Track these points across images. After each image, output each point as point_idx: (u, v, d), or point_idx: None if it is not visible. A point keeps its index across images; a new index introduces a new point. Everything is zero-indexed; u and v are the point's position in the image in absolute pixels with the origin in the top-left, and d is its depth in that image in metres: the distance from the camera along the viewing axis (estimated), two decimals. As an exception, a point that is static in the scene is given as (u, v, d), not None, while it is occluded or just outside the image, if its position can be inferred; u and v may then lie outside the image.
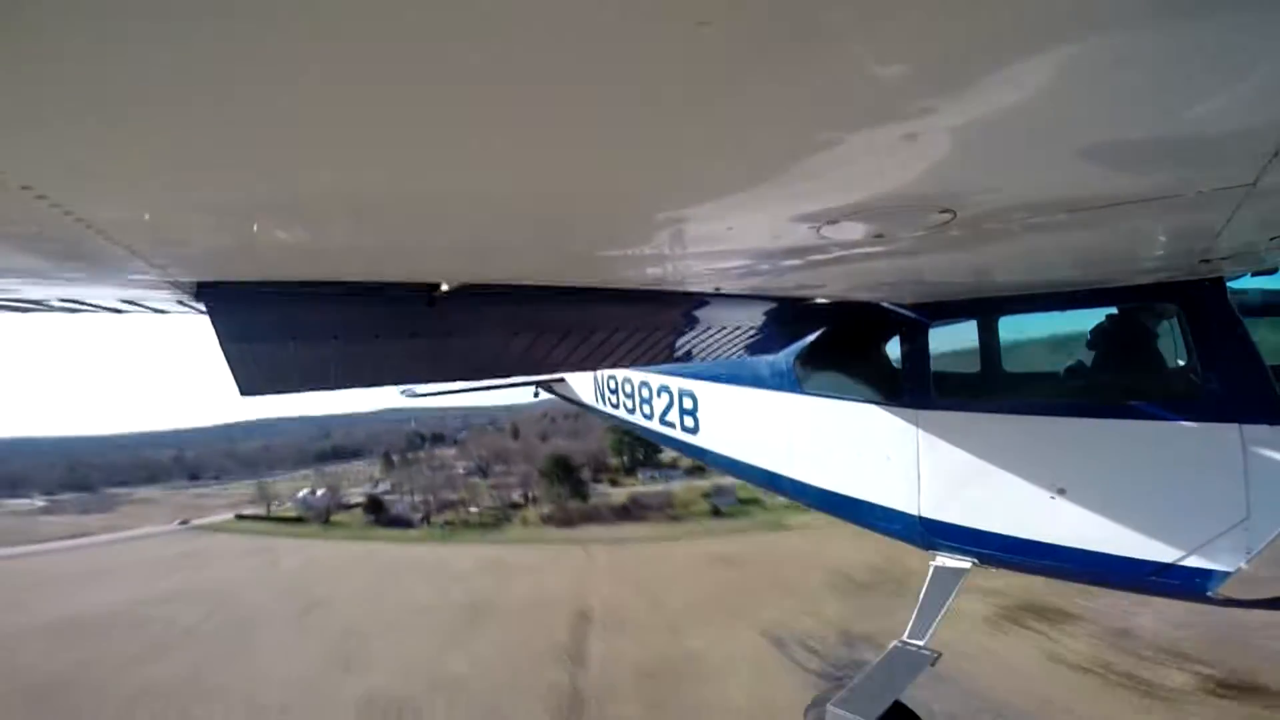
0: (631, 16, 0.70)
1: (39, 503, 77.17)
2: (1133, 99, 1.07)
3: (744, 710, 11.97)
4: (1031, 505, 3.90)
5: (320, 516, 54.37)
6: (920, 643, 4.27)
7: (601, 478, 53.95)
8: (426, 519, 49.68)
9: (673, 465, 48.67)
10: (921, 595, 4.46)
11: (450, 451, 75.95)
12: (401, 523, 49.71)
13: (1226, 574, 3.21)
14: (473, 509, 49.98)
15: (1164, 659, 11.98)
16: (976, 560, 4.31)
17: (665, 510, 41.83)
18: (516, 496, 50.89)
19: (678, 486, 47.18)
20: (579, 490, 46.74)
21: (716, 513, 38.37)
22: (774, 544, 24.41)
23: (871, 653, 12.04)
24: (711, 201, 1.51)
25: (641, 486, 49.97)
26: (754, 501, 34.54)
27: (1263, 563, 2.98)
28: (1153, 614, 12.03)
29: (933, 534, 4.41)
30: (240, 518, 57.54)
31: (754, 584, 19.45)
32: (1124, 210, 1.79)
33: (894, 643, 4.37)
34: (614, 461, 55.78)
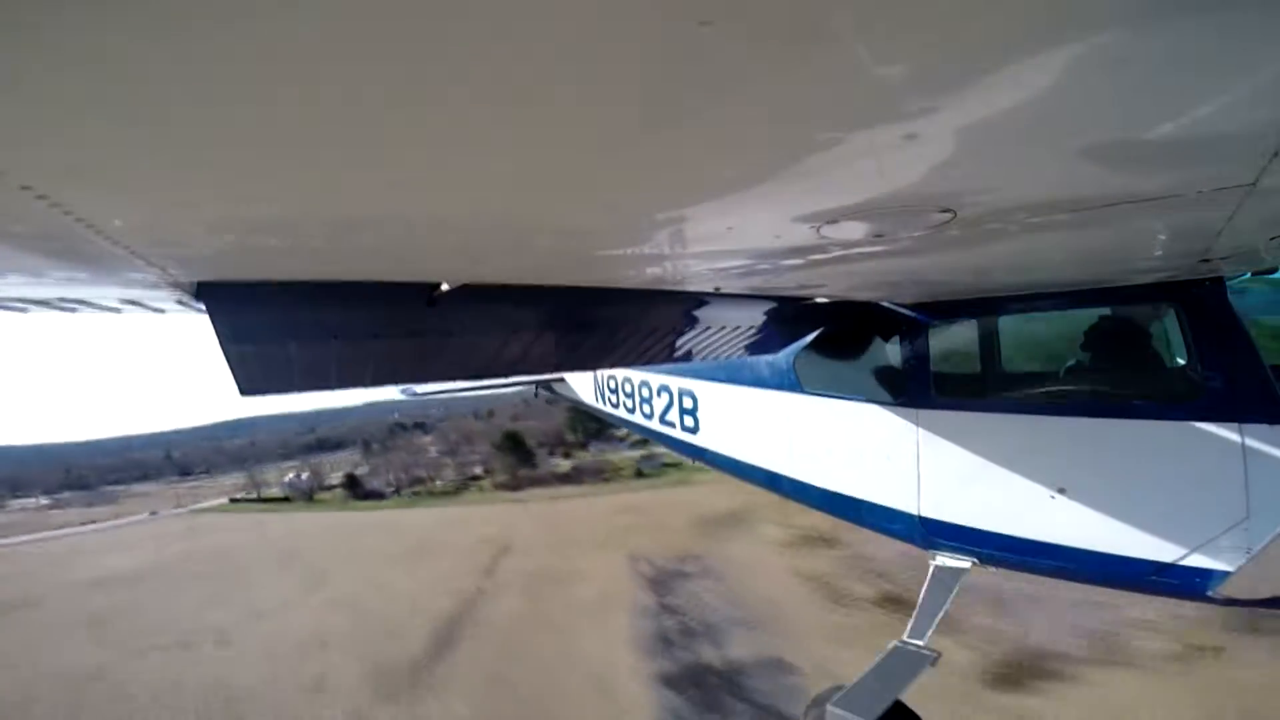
0: (632, 16, 0.70)
1: (43, 501, 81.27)
2: (1133, 99, 1.07)
3: (581, 597, 18.22)
4: (1031, 505, 3.91)
5: (304, 495, 60.15)
6: (920, 642, 4.28)
7: (557, 451, 60.31)
8: (397, 491, 56.25)
9: (620, 439, 53.20)
10: (921, 595, 4.46)
11: (427, 438, 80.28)
12: (375, 495, 56.20)
13: (1226, 573, 3.21)
14: (438, 482, 57.68)
15: (869, 578, 16.08)
16: (976, 560, 4.31)
17: (600, 474, 47.94)
18: (478, 470, 58.19)
19: (616, 457, 52.39)
20: (528, 461, 54.04)
21: (640, 474, 44.39)
22: (672, 496, 30.73)
23: (691, 563, 19.20)
24: (711, 201, 1.51)
25: (590, 457, 55.88)
26: (674, 466, 38.46)
27: (1262, 562, 2.98)
28: (895, 549, 14.14)
29: (932, 533, 4.41)
30: (233, 501, 62.60)
31: (639, 524, 25.78)
32: (1124, 210, 1.79)
33: (894, 643, 4.37)
34: (569, 437, 62.85)
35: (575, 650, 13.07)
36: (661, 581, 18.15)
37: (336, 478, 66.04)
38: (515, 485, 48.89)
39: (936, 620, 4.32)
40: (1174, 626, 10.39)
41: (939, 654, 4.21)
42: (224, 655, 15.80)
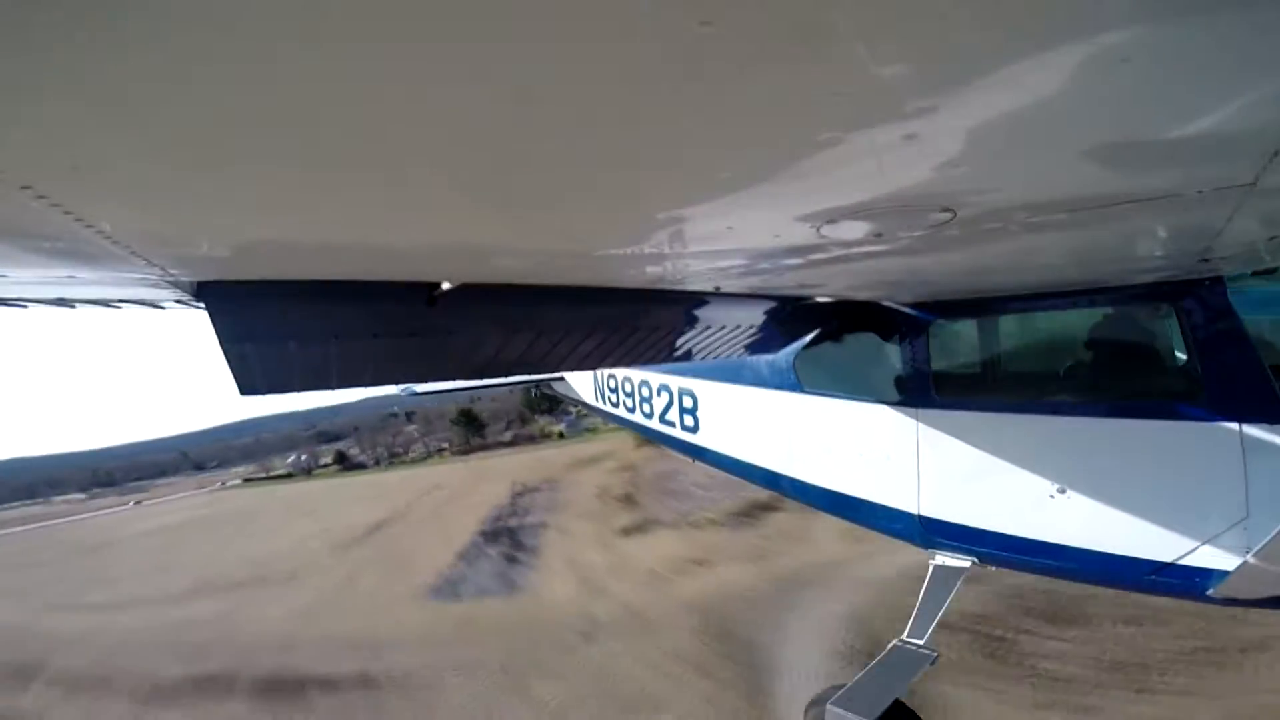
0: (632, 16, 0.70)
1: (80, 495, 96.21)
2: (1132, 99, 1.07)
3: (465, 504, 27.69)
4: (1031, 504, 3.91)
5: (305, 471, 78.98)
6: (920, 642, 4.28)
7: (507, 424, 72.92)
8: (378, 463, 73.06)
9: (566, 412, 61.06)
10: (921, 594, 4.47)
11: (412, 426, 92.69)
12: (360, 466, 73.86)
13: (1226, 573, 3.22)
14: (410, 453, 75.19)
15: (629, 487, 23.85)
16: (976, 559, 4.32)
17: (531, 439, 61.95)
18: (444, 444, 73.73)
19: (551, 426, 63.98)
20: (479, 432, 69.49)
21: (560, 435, 56.97)
22: (572, 449, 40.06)
23: (545, 485, 28.21)
24: (711, 201, 1.51)
25: (531, 428, 68.55)
26: (592, 431, 48.93)
27: (1262, 561, 2.99)
28: (658, 470, 24.21)
29: (932, 533, 4.42)
30: (246, 480, 79.60)
31: (536, 467, 34.60)
32: (1124, 210, 1.79)
33: (893, 642, 4.38)
34: (524, 412, 74.23)
35: (444, 526, 23.87)
36: (520, 494, 27.88)
37: (330, 457, 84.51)
38: (466, 451, 63.27)
39: (936, 620, 4.33)
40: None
41: (939, 653, 4.22)
42: (248, 553, 25.66)
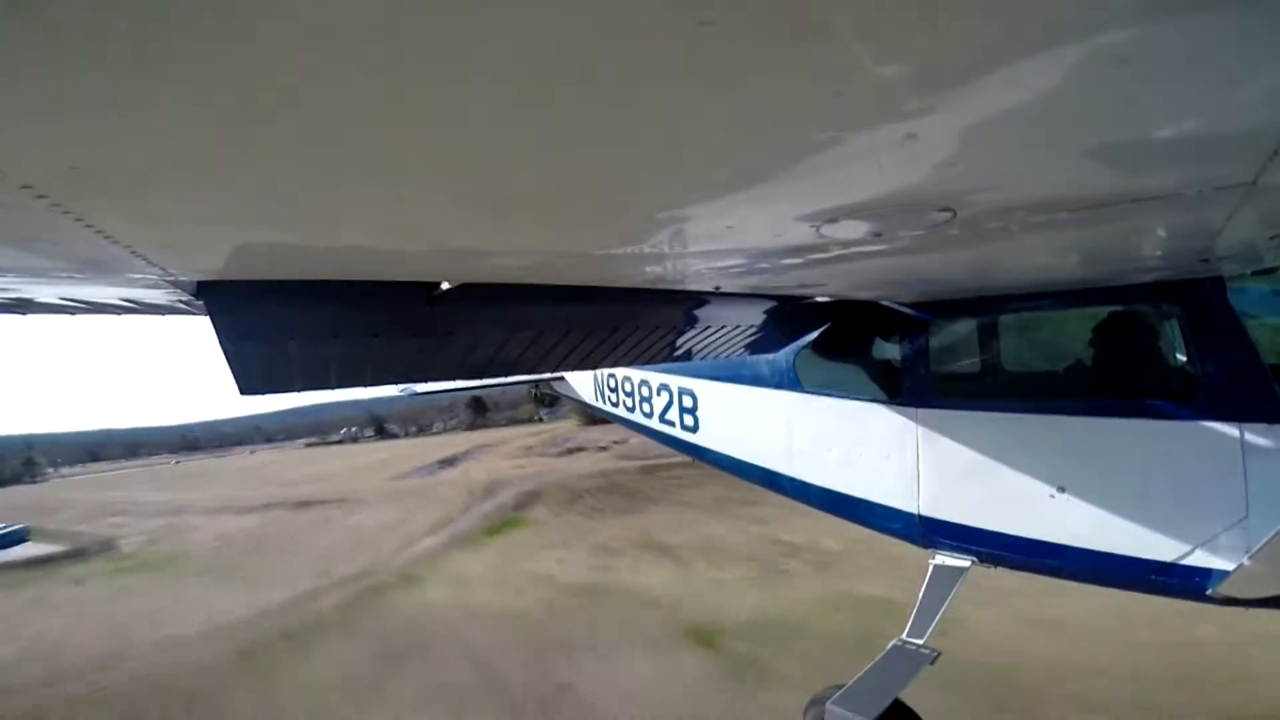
0: (632, 15, 0.70)
1: (172, 457, 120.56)
2: (1132, 99, 1.07)
3: (434, 453, 47.63)
4: (1030, 504, 3.91)
5: (352, 439, 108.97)
6: (919, 641, 4.28)
7: (509, 410, 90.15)
8: (407, 434, 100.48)
9: (562, 404, 73.78)
10: (921, 594, 4.47)
11: (443, 409, 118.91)
12: (394, 436, 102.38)
13: (1226, 572, 3.22)
14: (434, 429, 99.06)
15: (543, 448, 41.33)
16: (976, 559, 4.32)
17: (521, 422, 78.69)
18: (457, 422, 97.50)
19: (541, 412, 76.00)
20: (483, 414, 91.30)
21: (541, 420, 71.22)
22: (540, 428, 57.85)
23: (491, 445, 49.62)
24: (711, 201, 1.51)
25: (523, 413, 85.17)
26: (564, 418, 61.18)
27: (1261, 561, 2.99)
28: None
29: (932, 532, 4.41)
30: (307, 444, 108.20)
31: (501, 437, 53.53)
32: (1123, 209, 1.79)
33: (893, 641, 4.38)
34: (529, 401, 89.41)
35: (420, 459, 42.06)
36: (473, 448, 44.69)
37: (372, 429, 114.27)
38: (472, 427, 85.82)
39: (936, 619, 4.33)
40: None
41: (938, 653, 4.22)
42: (310, 472, 44.99)
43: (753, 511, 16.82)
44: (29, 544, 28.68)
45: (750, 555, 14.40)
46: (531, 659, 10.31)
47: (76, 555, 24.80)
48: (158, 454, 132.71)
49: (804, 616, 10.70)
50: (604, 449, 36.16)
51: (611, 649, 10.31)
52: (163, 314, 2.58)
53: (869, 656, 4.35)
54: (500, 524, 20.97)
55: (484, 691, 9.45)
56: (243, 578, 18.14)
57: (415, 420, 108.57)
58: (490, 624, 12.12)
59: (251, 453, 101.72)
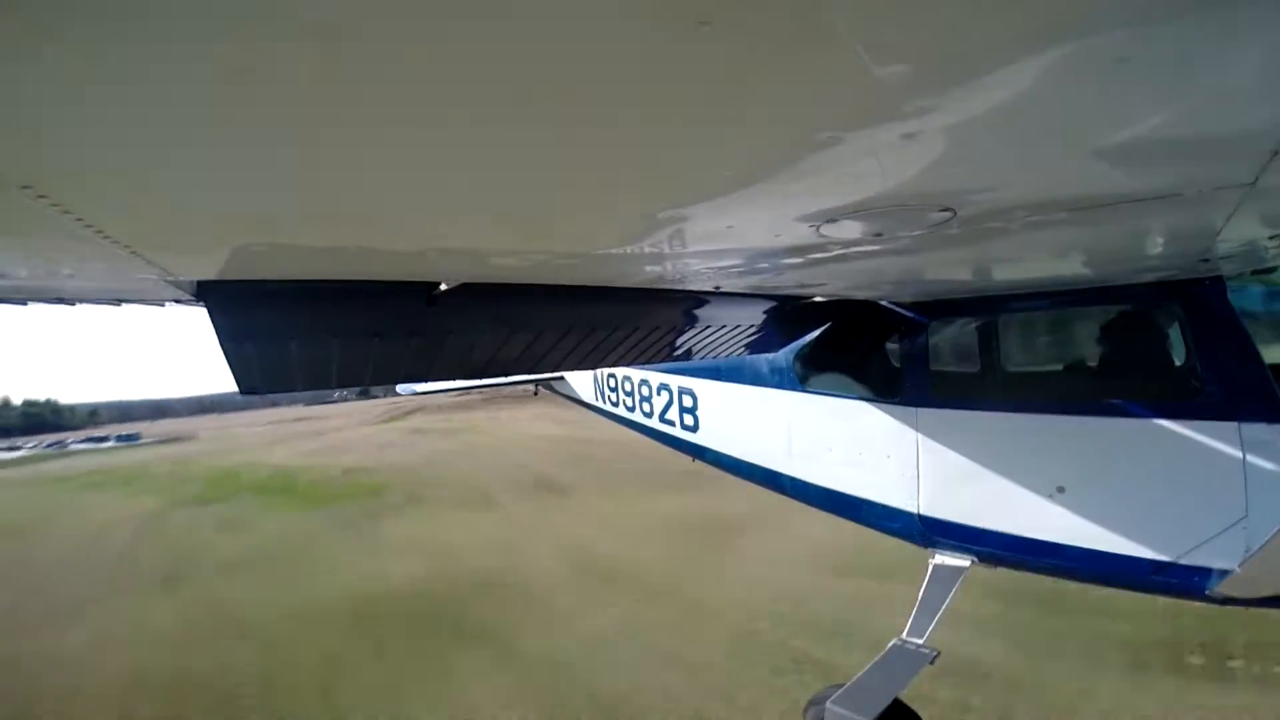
0: (631, 16, 0.70)
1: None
2: (1132, 99, 1.07)
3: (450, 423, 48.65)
4: (1030, 503, 3.91)
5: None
6: (919, 641, 4.28)
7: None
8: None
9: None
10: (921, 593, 4.47)
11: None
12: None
13: (1225, 572, 3.22)
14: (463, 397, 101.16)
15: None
16: (975, 558, 4.32)
17: (525, 398, 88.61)
18: (476, 394, 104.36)
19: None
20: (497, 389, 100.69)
21: (536, 393, 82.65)
22: (539, 405, 63.63)
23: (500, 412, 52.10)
24: (711, 201, 1.51)
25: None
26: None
27: (1261, 561, 2.99)
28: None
29: (932, 532, 4.41)
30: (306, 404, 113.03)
31: (491, 398, 51.79)
32: (1124, 209, 1.79)
33: (893, 641, 4.38)
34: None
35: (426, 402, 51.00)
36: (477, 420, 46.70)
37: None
38: (485, 401, 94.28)
39: (936, 619, 4.33)
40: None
41: (938, 652, 4.22)
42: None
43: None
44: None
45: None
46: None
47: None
48: (181, 417, 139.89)
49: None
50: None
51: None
52: (163, 305, 2.58)
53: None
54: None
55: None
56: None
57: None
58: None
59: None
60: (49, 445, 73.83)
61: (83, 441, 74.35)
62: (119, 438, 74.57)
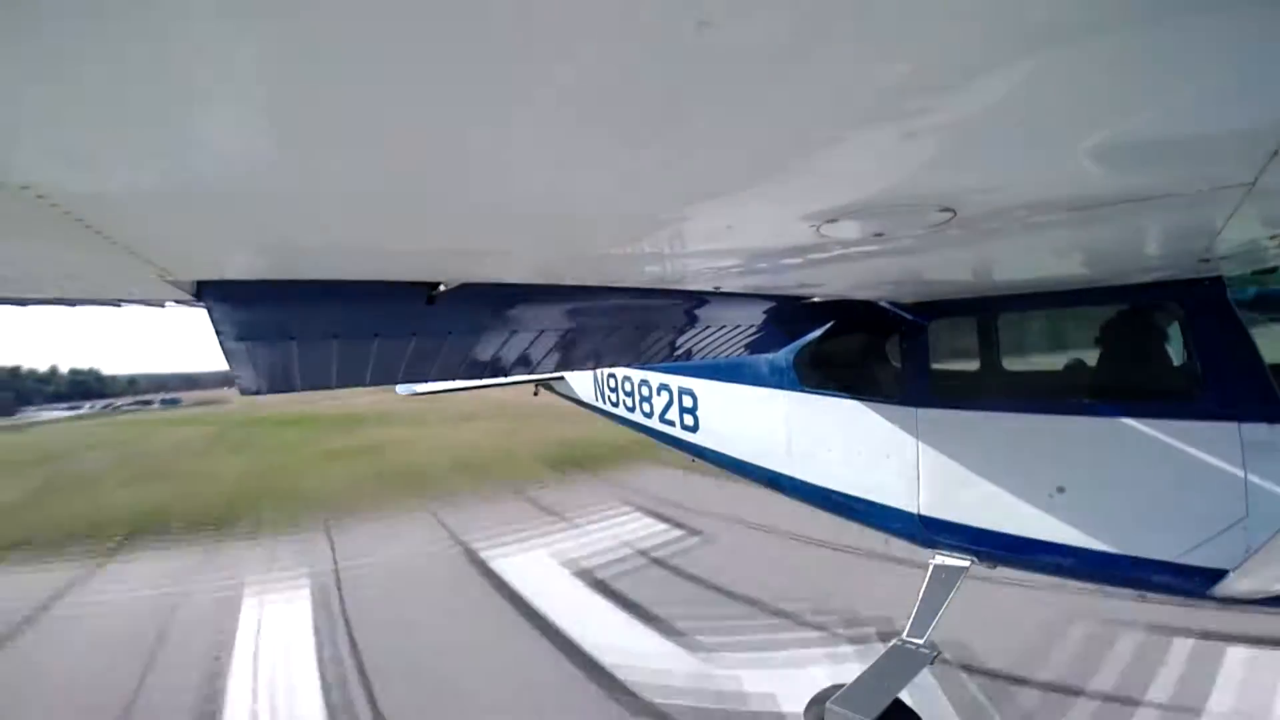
0: (631, 16, 0.70)
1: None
2: (1132, 99, 1.07)
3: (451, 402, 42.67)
4: (1030, 504, 3.91)
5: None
6: (919, 641, 4.28)
7: None
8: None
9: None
10: (920, 593, 4.47)
11: None
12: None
13: (1225, 572, 3.22)
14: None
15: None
16: (975, 558, 4.32)
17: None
18: None
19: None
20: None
21: (536, 393, 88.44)
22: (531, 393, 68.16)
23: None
24: (710, 200, 1.51)
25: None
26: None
27: (1261, 561, 2.99)
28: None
29: (932, 532, 4.42)
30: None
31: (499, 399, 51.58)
32: (1123, 209, 1.79)
33: (893, 640, 4.38)
34: None
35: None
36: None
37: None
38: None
39: (936, 619, 4.33)
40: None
41: (938, 652, 4.22)
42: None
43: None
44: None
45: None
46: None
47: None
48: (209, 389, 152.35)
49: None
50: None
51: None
52: (163, 305, 2.59)
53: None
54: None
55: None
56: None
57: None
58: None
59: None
60: (102, 406, 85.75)
61: (131, 405, 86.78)
62: (162, 401, 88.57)
